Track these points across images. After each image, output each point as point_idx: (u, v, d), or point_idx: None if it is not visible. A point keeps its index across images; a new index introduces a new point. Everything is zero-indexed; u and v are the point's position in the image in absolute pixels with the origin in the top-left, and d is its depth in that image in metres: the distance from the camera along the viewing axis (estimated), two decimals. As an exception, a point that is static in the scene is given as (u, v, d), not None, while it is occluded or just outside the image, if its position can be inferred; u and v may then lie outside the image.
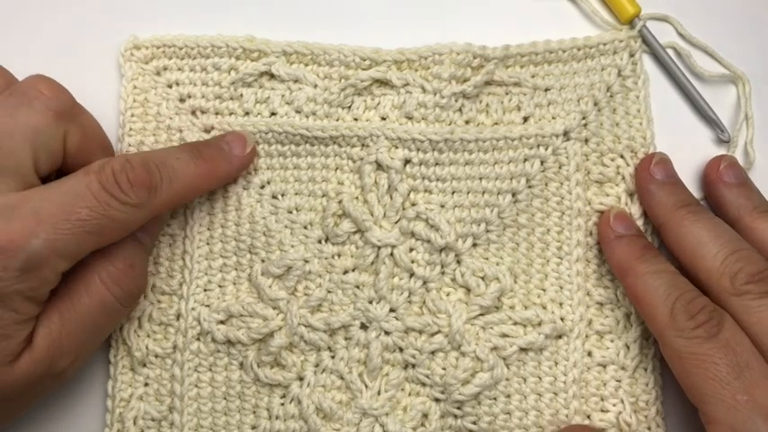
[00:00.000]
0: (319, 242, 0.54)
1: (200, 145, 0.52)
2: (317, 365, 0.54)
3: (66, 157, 0.49)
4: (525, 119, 0.55)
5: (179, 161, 0.49)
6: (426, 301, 0.54)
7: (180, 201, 0.51)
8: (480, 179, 0.54)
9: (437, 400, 0.54)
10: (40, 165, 0.47)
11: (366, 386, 0.54)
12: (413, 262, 0.54)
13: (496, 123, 0.55)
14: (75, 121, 0.49)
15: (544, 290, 0.54)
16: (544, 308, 0.54)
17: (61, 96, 0.49)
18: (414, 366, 0.54)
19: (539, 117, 0.55)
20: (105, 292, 0.47)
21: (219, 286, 0.54)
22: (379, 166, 0.54)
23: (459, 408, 0.53)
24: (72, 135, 0.49)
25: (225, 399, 0.54)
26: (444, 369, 0.53)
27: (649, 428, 0.53)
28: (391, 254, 0.54)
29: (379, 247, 0.54)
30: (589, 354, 0.54)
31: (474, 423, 0.53)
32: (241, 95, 0.55)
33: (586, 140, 0.55)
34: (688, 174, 0.55)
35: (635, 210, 0.54)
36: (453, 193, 0.54)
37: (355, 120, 0.55)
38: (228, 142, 0.53)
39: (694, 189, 0.55)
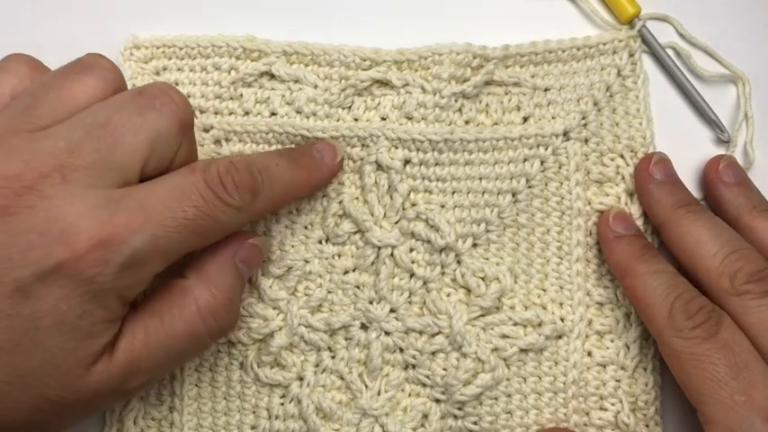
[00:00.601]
0: (320, 242, 0.54)
1: (295, 153, 0.52)
2: (317, 365, 0.54)
3: (168, 169, 0.47)
4: (525, 119, 0.55)
5: (278, 167, 0.49)
6: (427, 301, 0.54)
7: (275, 208, 0.51)
8: (480, 179, 0.54)
9: (437, 400, 0.54)
10: (147, 169, 0.45)
11: (366, 386, 0.54)
12: (413, 262, 0.54)
13: (496, 123, 0.55)
14: (189, 136, 0.48)
15: (544, 290, 0.54)
16: (544, 308, 0.54)
17: (188, 109, 0.47)
18: (414, 367, 0.54)
19: (538, 117, 0.55)
20: (198, 322, 0.45)
21: (220, 286, 0.54)
22: (380, 166, 0.54)
23: (459, 408, 0.53)
24: (183, 149, 0.47)
25: (225, 399, 0.54)
26: (445, 370, 0.53)
27: (648, 427, 0.53)
28: (391, 254, 0.54)
29: (380, 248, 0.54)
30: (589, 354, 0.54)
31: (475, 423, 0.53)
32: (241, 95, 0.55)
33: (586, 140, 0.55)
34: (687, 174, 0.55)
35: (635, 210, 0.54)
36: (453, 193, 0.54)
37: (355, 120, 0.55)
38: (320, 150, 0.52)
39: (694, 189, 0.55)
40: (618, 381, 0.54)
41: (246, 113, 0.55)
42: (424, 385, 0.54)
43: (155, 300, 0.46)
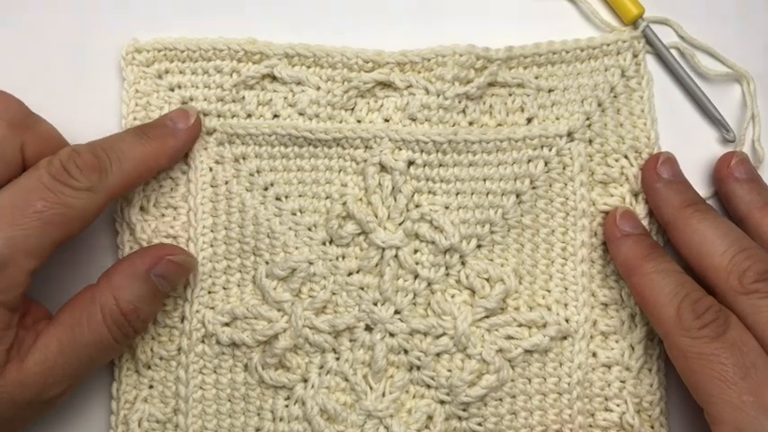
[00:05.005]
0: (323, 244, 0.54)
1: (145, 126, 0.53)
2: (321, 367, 0.54)
3: (25, 167, 0.49)
4: (529, 120, 0.55)
5: (125, 143, 0.50)
6: (431, 302, 0.54)
7: (134, 181, 0.51)
8: (484, 180, 0.54)
9: (442, 402, 0.54)
10: None
11: (371, 388, 0.54)
12: (417, 263, 0.54)
13: (500, 124, 0.55)
14: (32, 130, 0.49)
15: (549, 291, 0.54)
16: (549, 309, 0.54)
17: (13, 106, 0.49)
18: (419, 368, 0.54)
19: (542, 118, 0.55)
20: (104, 330, 0.48)
21: (224, 288, 0.54)
22: (383, 167, 0.54)
23: (464, 409, 0.53)
24: (30, 145, 0.49)
25: (229, 401, 0.54)
26: (450, 371, 0.53)
27: (653, 428, 0.53)
28: (396, 255, 0.54)
29: (384, 249, 0.54)
30: (594, 354, 0.54)
31: (479, 424, 0.53)
32: (243, 98, 0.55)
33: (590, 141, 0.55)
34: (693, 173, 0.55)
35: (639, 210, 0.54)
36: (457, 194, 0.54)
37: (358, 122, 0.55)
38: (172, 118, 0.54)
39: (700, 188, 0.54)
40: (623, 382, 0.54)
41: (249, 116, 0.55)
42: (429, 387, 0.54)
43: (66, 310, 0.48)
